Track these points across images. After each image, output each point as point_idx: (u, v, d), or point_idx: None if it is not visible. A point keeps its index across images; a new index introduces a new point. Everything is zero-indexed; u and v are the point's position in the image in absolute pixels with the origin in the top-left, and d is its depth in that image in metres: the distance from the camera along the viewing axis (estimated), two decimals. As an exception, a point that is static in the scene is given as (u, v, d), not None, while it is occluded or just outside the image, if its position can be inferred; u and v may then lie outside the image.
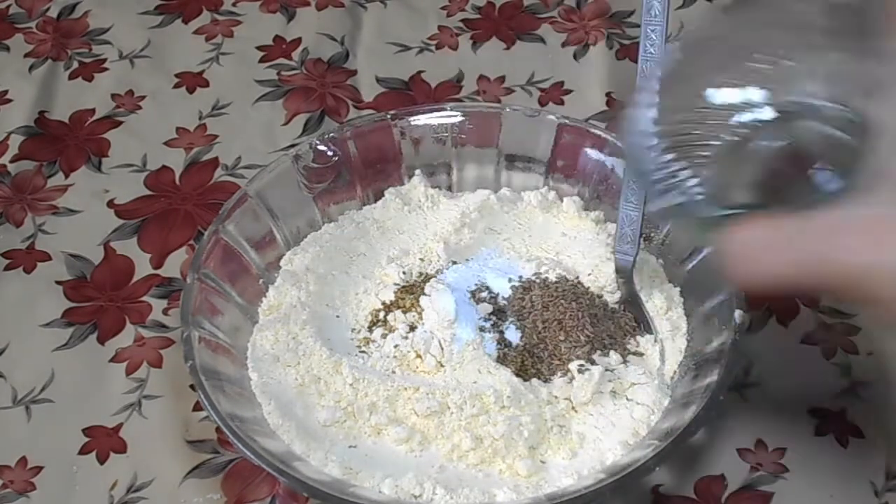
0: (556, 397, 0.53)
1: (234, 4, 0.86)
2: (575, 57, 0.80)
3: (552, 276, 0.58)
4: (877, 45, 0.35)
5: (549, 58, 0.80)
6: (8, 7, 0.87)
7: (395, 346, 0.55)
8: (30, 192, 0.72)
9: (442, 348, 0.55)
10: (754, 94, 0.37)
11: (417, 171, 0.64)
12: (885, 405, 0.58)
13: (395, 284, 0.59)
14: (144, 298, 0.65)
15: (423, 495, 0.49)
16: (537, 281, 0.58)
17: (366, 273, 0.61)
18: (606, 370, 0.54)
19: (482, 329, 0.56)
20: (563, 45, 0.81)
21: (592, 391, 0.53)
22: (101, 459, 0.58)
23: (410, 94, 0.78)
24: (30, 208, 0.71)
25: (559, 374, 0.54)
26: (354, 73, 0.80)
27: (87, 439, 0.59)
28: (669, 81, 0.40)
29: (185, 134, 0.76)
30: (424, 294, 0.57)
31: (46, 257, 0.68)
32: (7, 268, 0.67)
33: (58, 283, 0.66)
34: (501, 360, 0.55)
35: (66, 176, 0.73)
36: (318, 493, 0.48)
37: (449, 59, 0.81)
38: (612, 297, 0.58)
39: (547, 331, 0.55)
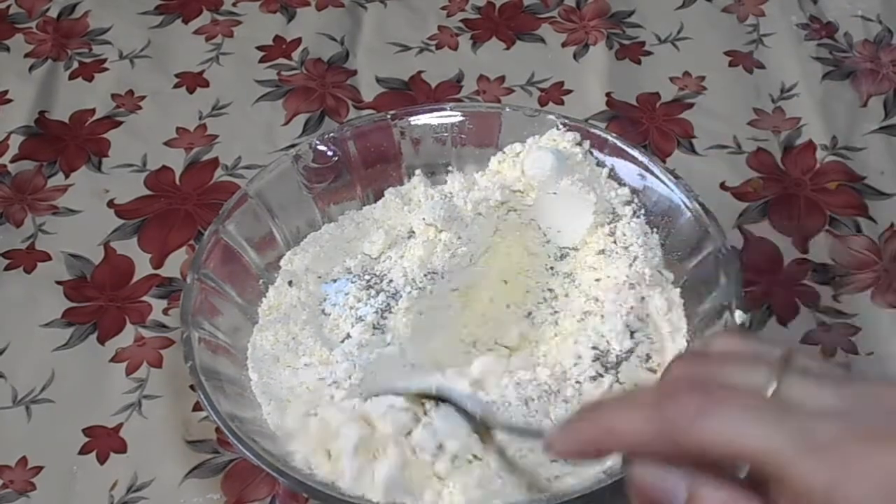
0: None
1: (234, 4, 0.86)
2: (575, 57, 0.80)
3: None
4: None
5: (549, 58, 0.80)
6: (8, 7, 0.87)
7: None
8: (30, 192, 0.72)
9: None
10: None
11: (417, 171, 0.64)
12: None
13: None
14: (144, 298, 0.65)
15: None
16: None
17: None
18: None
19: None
20: (563, 45, 0.81)
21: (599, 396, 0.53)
22: (101, 459, 0.58)
23: (410, 94, 0.78)
24: (30, 208, 0.71)
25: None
26: (354, 73, 0.80)
27: (87, 439, 0.59)
28: None
29: (185, 134, 0.76)
30: None
31: (46, 257, 0.68)
32: (7, 268, 0.67)
33: (58, 283, 0.66)
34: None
35: (66, 176, 0.73)
36: (318, 493, 0.48)
37: (449, 59, 0.81)
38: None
39: None
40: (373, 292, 0.57)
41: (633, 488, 0.36)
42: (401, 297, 0.56)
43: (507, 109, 0.65)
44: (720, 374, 0.36)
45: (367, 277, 0.58)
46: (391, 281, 0.57)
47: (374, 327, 0.55)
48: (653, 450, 0.35)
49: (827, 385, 0.34)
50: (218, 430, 0.56)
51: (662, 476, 0.35)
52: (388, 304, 0.56)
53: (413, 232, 0.60)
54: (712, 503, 0.34)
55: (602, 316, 0.56)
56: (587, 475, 0.50)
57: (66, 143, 0.76)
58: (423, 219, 0.58)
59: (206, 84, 0.79)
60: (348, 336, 0.56)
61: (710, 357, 0.37)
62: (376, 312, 0.56)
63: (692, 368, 0.37)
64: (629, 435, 0.36)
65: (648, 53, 0.81)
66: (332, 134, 0.64)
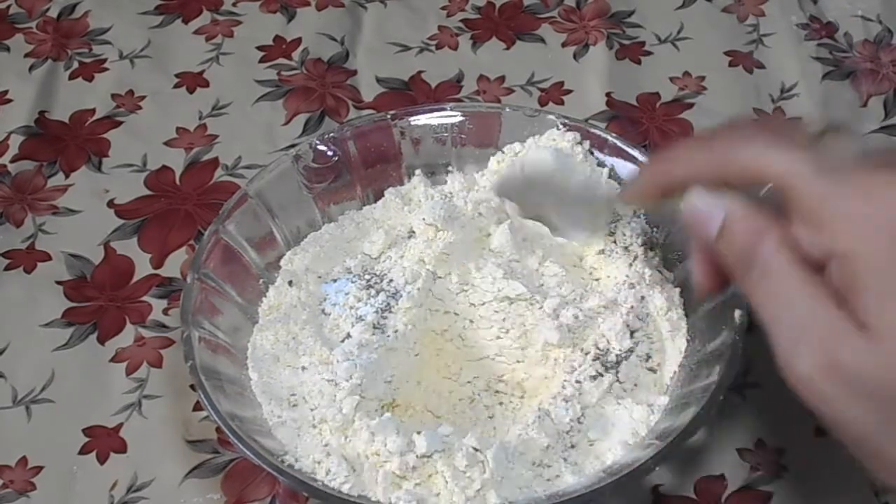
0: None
1: (234, 4, 0.86)
2: (575, 57, 0.80)
3: None
4: None
5: (549, 58, 0.80)
6: (8, 7, 0.87)
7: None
8: (30, 192, 0.72)
9: None
10: None
11: (417, 171, 0.64)
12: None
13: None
14: (144, 298, 0.65)
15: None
16: None
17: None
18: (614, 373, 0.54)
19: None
20: (563, 45, 0.81)
21: (600, 396, 0.53)
22: (101, 459, 0.58)
23: (410, 94, 0.78)
24: (30, 208, 0.71)
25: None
26: (354, 73, 0.80)
27: (87, 439, 0.59)
28: None
29: (185, 134, 0.76)
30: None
31: (46, 257, 0.68)
32: (7, 268, 0.67)
33: (58, 283, 0.66)
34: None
35: (67, 176, 0.73)
36: (318, 493, 0.48)
37: (449, 59, 0.81)
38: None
39: None
40: (373, 292, 0.57)
41: (684, 214, 0.42)
42: (401, 296, 0.56)
43: (507, 109, 0.65)
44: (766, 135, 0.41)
45: (367, 277, 0.58)
46: (391, 281, 0.57)
47: (375, 327, 0.55)
48: (705, 178, 0.41)
49: (857, 146, 0.39)
50: (218, 429, 0.56)
51: (707, 202, 0.41)
52: (389, 304, 0.56)
53: (413, 232, 0.60)
54: (740, 228, 0.40)
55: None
56: (587, 473, 0.50)
57: (66, 143, 0.76)
58: (423, 219, 0.58)
59: (206, 84, 0.80)
60: (348, 336, 0.55)
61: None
62: (376, 312, 0.56)
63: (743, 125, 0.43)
64: (688, 165, 0.43)
65: (648, 53, 0.81)
66: (332, 134, 0.64)
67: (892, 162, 0.37)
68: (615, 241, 0.59)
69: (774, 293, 0.38)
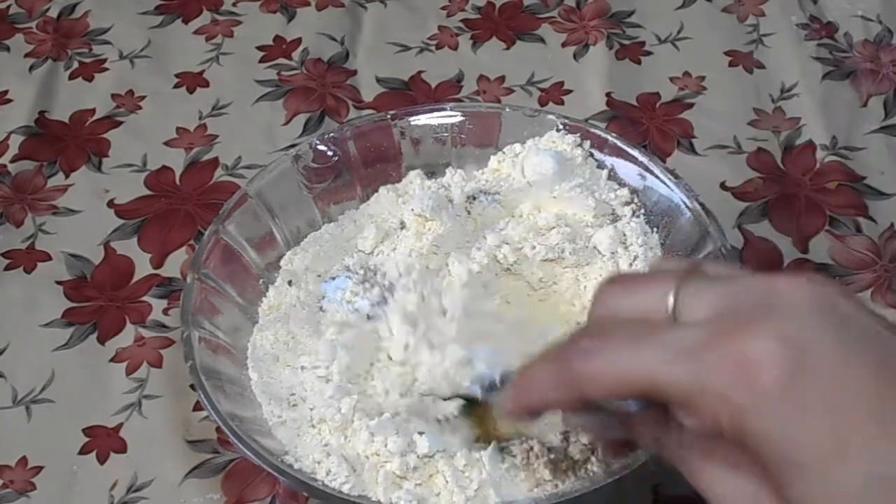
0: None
1: (234, 4, 0.86)
2: (575, 57, 0.80)
3: None
4: None
5: (549, 58, 0.81)
6: (8, 7, 0.87)
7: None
8: (30, 192, 0.72)
9: None
10: None
11: (416, 169, 0.64)
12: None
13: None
14: (144, 298, 0.65)
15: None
16: None
17: (365, 272, 0.61)
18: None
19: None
20: (563, 45, 0.81)
21: None
22: (101, 459, 0.58)
23: (410, 94, 0.78)
24: (30, 208, 0.71)
25: None
26: (354, 73, 0.80)
27: (87, 439, 0.59)
28: None
29: (185, 134, 0.76)
30: None
31: (46, 257, 0.68)
32: (7, 268, 0.67)
33: (58, 283, 0.66)
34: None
35: (67, 176, 0.73)
36: (319, 493, 0.48)
37: (449, 59, 0.81)
38: None
39: None
40: (367, 286, 0.57)
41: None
42: (395, 289, 0.56)
43: (507, 109, 0.65)
44: (624, 301, 0.37)
45: (361, 272, 0.58)
46: (385, 274, 0.57)
47: (369, 318, 0.55)
48: (565, 405, 0.37)
49: (716, 289, 0.35)
50: (218, 429, 0.56)
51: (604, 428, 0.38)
52: (384, 298, 0.56)
53: (404, 223, 0.60)
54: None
55: None
56: (588, 473, 0.50)
57: (66, 143, 0.76)
58: (412, 209, 0.58)
59: (206, 84, 0.80)
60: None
61: (625, 281, 0.38)
62: (372, 306, 0.56)
63: (602, 299, 0.38)
64: (547, 393, 0.37)
65: (648, 53, 0.81)
66: (332, 134, 0.64)
67: (739, 323, 0.33)
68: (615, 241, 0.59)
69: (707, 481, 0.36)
